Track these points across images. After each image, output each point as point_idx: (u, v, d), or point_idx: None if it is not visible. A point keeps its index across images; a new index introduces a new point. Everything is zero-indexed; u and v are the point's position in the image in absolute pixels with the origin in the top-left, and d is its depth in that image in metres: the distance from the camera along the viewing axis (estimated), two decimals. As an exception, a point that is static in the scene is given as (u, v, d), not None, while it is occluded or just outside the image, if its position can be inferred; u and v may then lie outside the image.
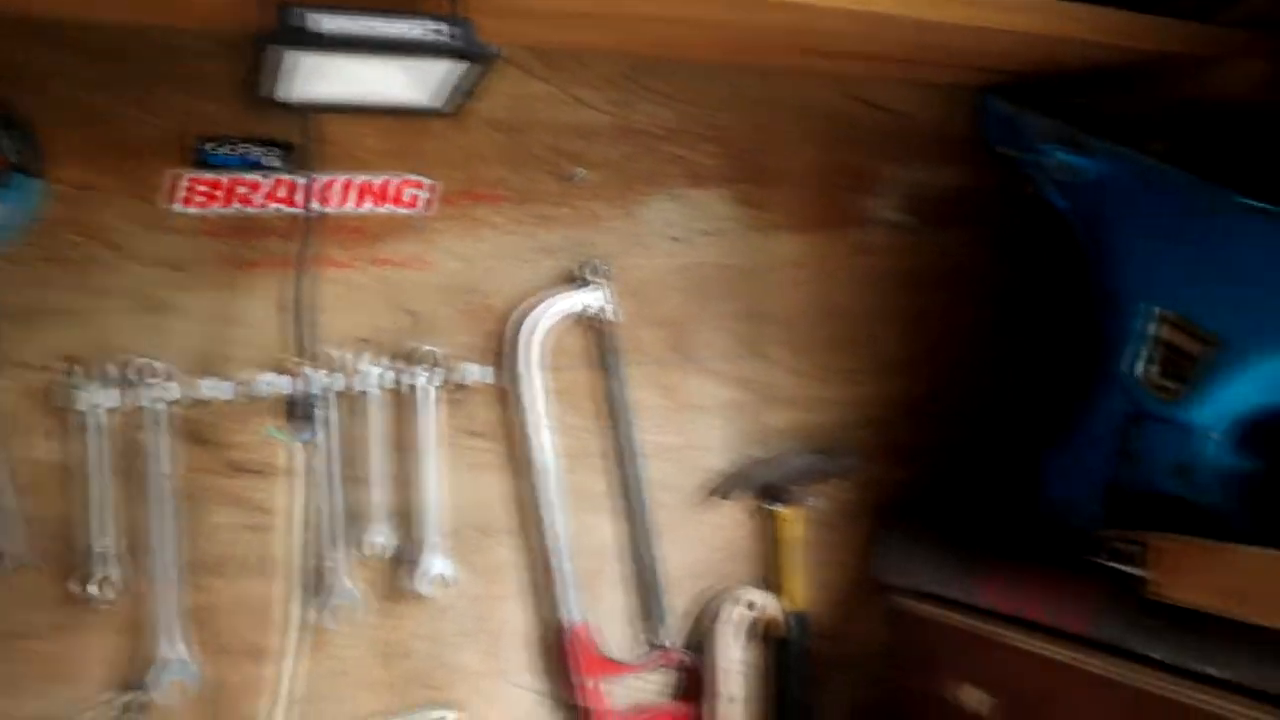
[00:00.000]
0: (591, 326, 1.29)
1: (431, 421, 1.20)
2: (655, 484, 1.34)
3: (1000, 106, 1.45)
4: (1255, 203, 1.17)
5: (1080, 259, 1.36)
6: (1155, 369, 1.24)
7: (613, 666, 1.31)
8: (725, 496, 1.36)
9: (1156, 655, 1.13)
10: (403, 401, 1.19)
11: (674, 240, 1.34)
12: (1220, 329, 1.18)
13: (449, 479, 1.22)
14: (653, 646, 1.35)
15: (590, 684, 1.28)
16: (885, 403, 1.48)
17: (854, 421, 1.46)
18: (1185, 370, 1.21)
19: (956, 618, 1.38)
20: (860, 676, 1.50)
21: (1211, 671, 1.07)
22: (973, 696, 1.35)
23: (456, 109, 1.08)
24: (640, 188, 1.32)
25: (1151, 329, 1.25)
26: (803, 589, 1.41)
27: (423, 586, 1.19)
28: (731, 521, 1.40)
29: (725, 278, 1.37)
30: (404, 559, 1.19)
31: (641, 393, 1.32)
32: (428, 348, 1.20)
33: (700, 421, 1.37)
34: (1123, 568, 1.20)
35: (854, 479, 1.46)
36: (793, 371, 1.42)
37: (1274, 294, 1.14)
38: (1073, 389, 1.37)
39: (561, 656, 1.28)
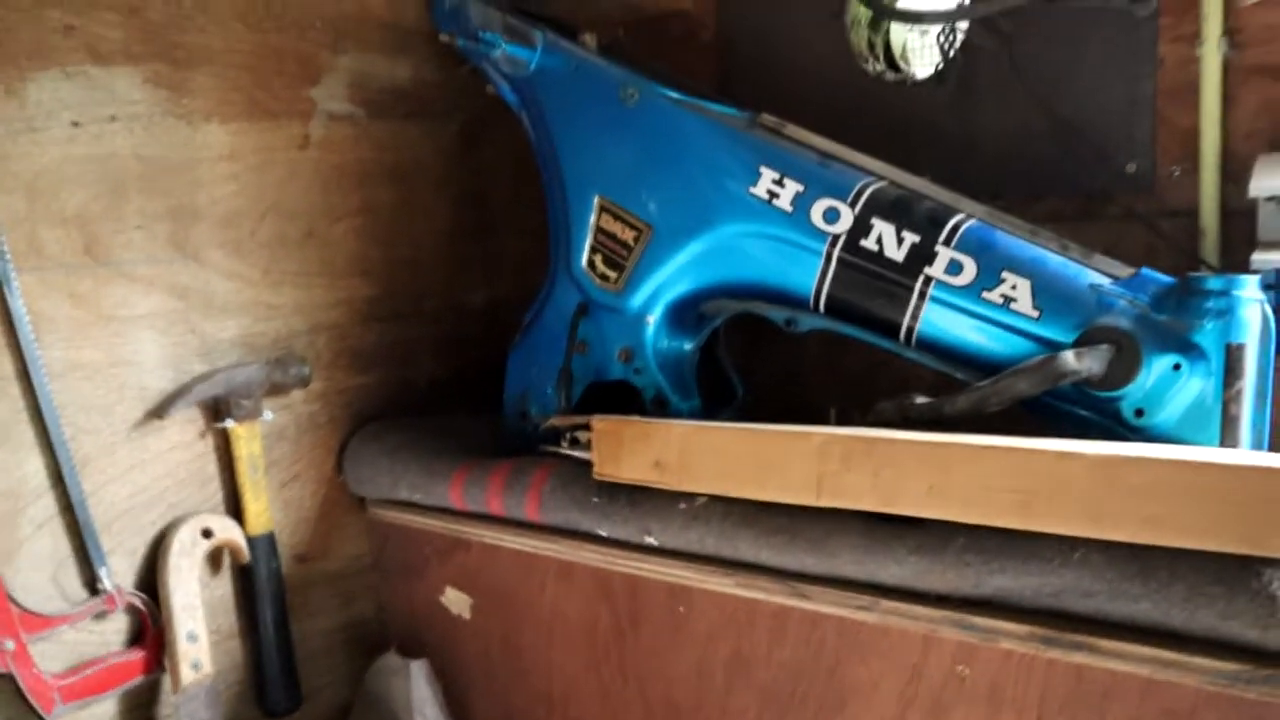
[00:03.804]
0: (-31, 226, 1.09)
1: None
2: (75, 408, 1.17)
3: (447, -6, 1.41)
4: (677, 94, 1.22)
5: (536, 155, 1.36)
6: (599, 258, 1.27)
7: (39, 621, 1.15)
8: (162, 415, 1.22)
9: (603, 532, 1.17)
10: None
11: (75, 126, 1.15)
12: (650, 217, 1.23)
13: None
14: (94, 592, 1.19)
15: (11, 645, 1.11)
16: (338, 306, 1.40)
17: (307, 328, 1.37)
18: (623, 259, 1.25)
19: (431, 522, 1.36)
20: (345, 594, 1.45)
21: (651, 540, 1.13)
22: (454, 599, 1.35)
23: None
24: (24, 61, 1.11)
25: (593, 219, 1.27)
26: (266, 510, 1.31)
27: None
28: (178, 444, 1.27)
29: (144, 171, 1.21)
30: None
31: (45, 303, 1.14)
32: None
33: (125, 334, 1.21)
34: (574, 453, 1.24)
35: (313, 389, 1.37)
36: (233, 276, 1.29)
37: (691, 181, 1.21)
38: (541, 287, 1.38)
39: (-31, 619, 1.10)
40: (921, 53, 1.41)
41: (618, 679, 1.21)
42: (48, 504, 1.16)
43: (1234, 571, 0.83)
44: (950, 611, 0.96)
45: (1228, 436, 0.99)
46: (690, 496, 1.11)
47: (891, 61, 1.41)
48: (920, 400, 1.07)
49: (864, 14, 1.38)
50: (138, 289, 1.21)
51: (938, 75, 1.32)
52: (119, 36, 1.18)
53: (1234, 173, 1.14)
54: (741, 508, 1.07)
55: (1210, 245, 1.15)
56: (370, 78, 1.41)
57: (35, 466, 1.15)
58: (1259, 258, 1.04)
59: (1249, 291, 0.98)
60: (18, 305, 1.11)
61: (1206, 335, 0.98)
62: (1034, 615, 0.92)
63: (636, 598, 1.18)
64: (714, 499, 1.10)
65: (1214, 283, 0.98)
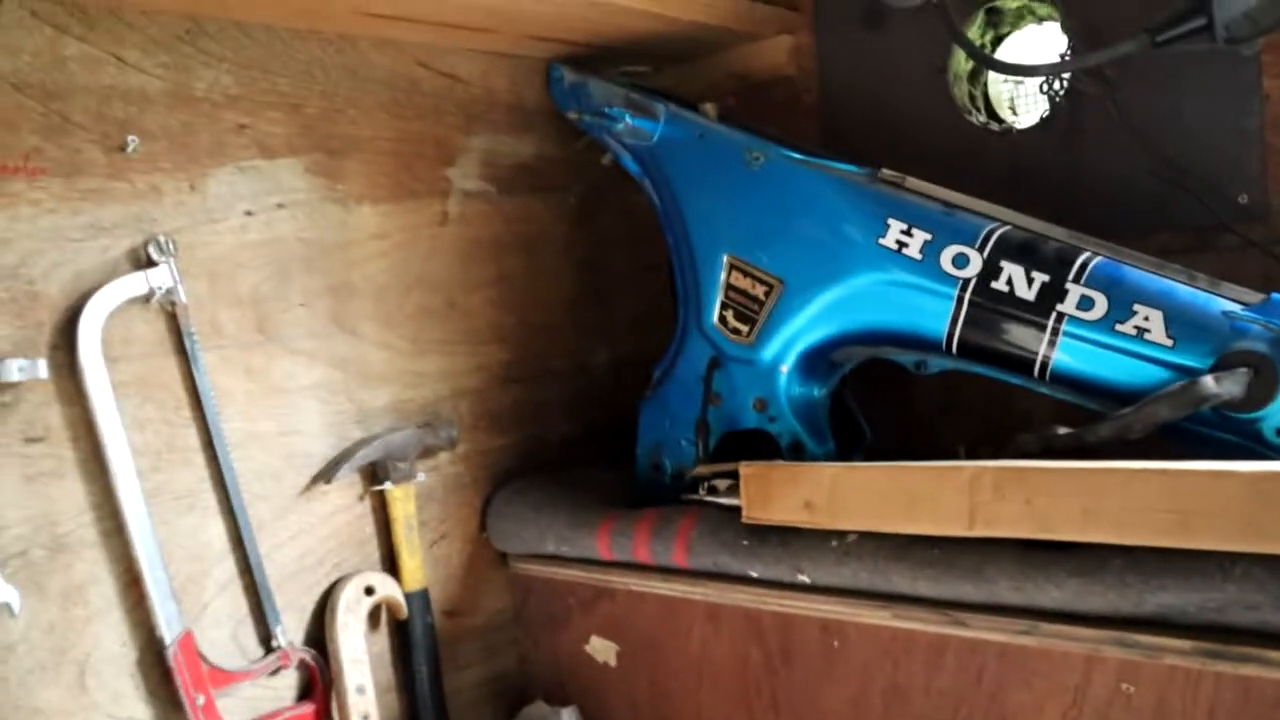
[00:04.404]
0: (162, 310, 1.18)
1: (-30, 432, 1.04)
2: (251, 475, 1.25)
3: (567, 74, 1.50)
4: (800, 155, 1.30)
5: (661, 220, 1.44)
6: (730, 313, 1.34)
7: (224, 677, 1.21)
8: (329, 480, 1.30)
9: (754, 573, 1.22)
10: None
11: (247, 214, 1.25)
12: (780, 272, 1.30)
13: (2, 495, 1.07)
14: (269, 649, 1.26)
15: (202, 700, 1.17)
16: (478, 371, 1.48)
17: (451, 393, 1.45)
18: (755, 313, 1.32)
19: (575, 573, 1.41)
20: (490, 648, 1.50)
21: (803, 579, 1.17)
22: (599, 647, 1.40)
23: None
24: (205, 159, 1.21)
25: (723, 277, 1.34)
26: (420, 567, 1.38)
27: (-24, 624, 1.03)
28: (340, 507, 1.34)
29: (306, 253, 1.30)
30: (-53, 598, 1.02)
31: (225, 378, 1.22)
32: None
33: (293, 405, 1.29)
34: (718, 500, 1.29)
35: (457, 451, 1.44)
36: (385, 346, 1.38)
37: (820, 236, 1.27)
38: (668, 346, 1.45)
39: (167, 675, 1.16)
40: (1018, 103, 1.49)
41: (769, 716, 1.25)
42: (229, 567, 1.23)
43: (1400, 576, 0.86)
44: (1112, 631, 0.99)
45: (1370, 450, 1.02)
46: (841, 534, 1.15)
47: (993, 112, 1.48)
48: (1062, 431, 1.12)
49: (964, 68, 1.45)
50: (302, 362, 1.30)
51: (1043, 122, 1.38)
52: (283, 132, 1.28)
53: (1343, 199, 1.19)
54: (893, 542, 1.12)
55: (1328, 270, 1.19)
56: (499, 156, 1.51)
57: (218, 531, 1.22)
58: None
59: (1382, 309, 1.02)
60: (204, 382, 1.19)
61: (1344, 354, 1.02)
62: (1198, 630, 0.95)
63: (788, 635, 1.22)
64: (864, 535, 1.14)
65: (1346, 304, 1.02)
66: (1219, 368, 1.06)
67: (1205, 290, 1.10)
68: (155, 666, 1.16)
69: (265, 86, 1.27)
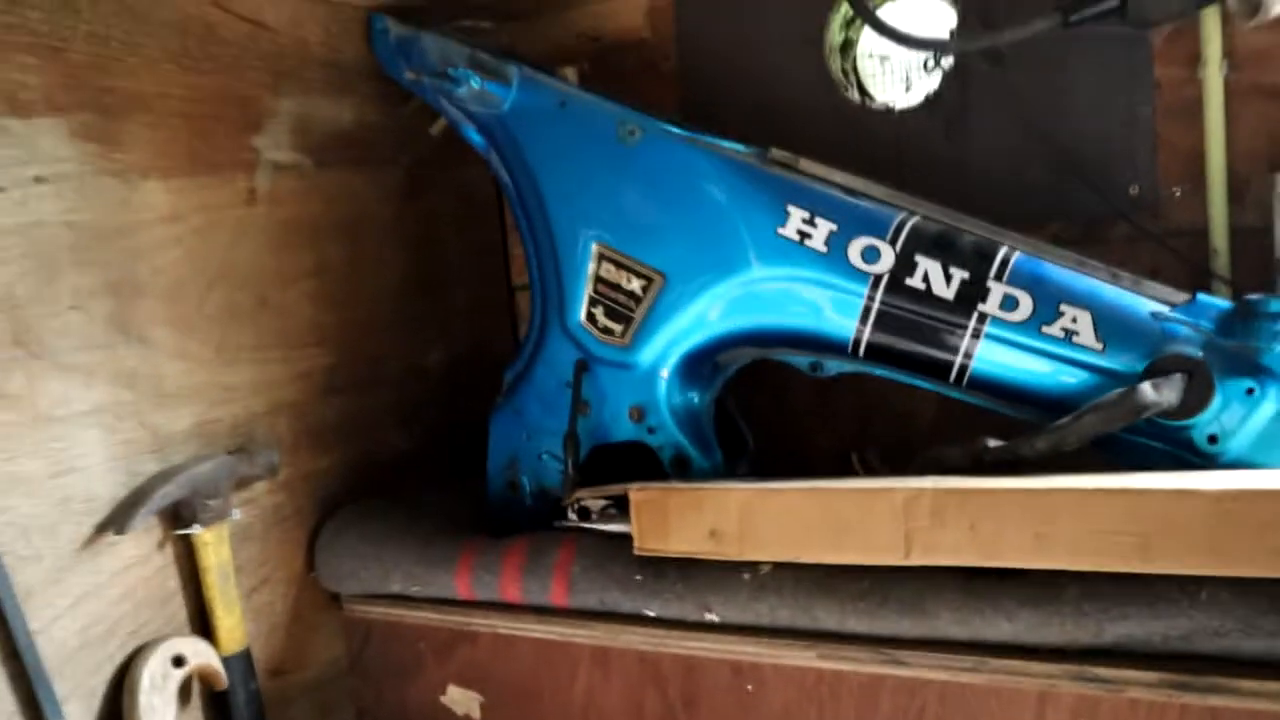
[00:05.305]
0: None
1: None
2: (14, 531, 0.97)
3: (392, 27, 1.27)
4: (681, 130, 1.14)
5: (512, 201, 1.24)
6: (600, 310, 1.17)
7: (-18, 797, 0.95)
8: (121, 530, 1.03)
9: (651, 612, 1.07)
10: None
11: (-3, 191, 0.96)
12: (661, 264, 1.14)
13: None
14: (45, 752, 1.00)
15: (-49, 831, 0.91)
16: (297, 381, 1.24)
17: (266, 408, 1.20)
18: (630, 310, 1.16)
19: (426, 615, 1.22)
20: (324, 705, 1.29)
21: (712, 617, 1.04)
22: (458, 698, 1.21)
23: None
24: (-67, 117, 0.92)
25: (592, 268, 1.17)
26: (239, 624, 1.14)
27: None
28: (136, 560, 1.08)
29: (76, 240, 1.02)
30: None
31: (-27, 409, 0.94)
32: None
33: (67, 436, 1.01)
34: (600, 526, 1.13)
35: (278, 479, 1.20)
36: (183, 356, 1.12)
37: (709, 224, 1.12)
38: (521, 344, 1.26)
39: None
40: (882, 80, 1.39)
41: (669, 768, 1.11)
42: (-12, 651, 0.96)
43: (1376, 598, 0.82)
44: (1068, 665, 0.91)
45: (1305, 458, 0.99)
46: (753, 566, 1.02)
47: (864, 89, 1.38)
48: (993, 444, 1.03)
49: (837, 40, 1.34)
50: (77, 381, 1.02)
51: (928, 101, 1.29)
52: (40, 83, 0.99)
53: (1236, 191, 1.16)
54: (814, 573, 1.00)
55: (1223, 263, 1.16)
56: (314, 122, 1.26)
57: (-27, 608, 0.94)
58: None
59: (1313, 311, 0.99)
60: (-51, 415, 0.91)
61: (1278, 358, 0.97)
62: (1160, 660, 0.89)
63: (693, 679, 1.08)
64: (779, 566, 1.02)
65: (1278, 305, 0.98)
66: (1151, 372, 0.99)
67: (1130, 289, 1.04)
68: (-109, 795, 0.89)
69: (12, 21, 0.97)
